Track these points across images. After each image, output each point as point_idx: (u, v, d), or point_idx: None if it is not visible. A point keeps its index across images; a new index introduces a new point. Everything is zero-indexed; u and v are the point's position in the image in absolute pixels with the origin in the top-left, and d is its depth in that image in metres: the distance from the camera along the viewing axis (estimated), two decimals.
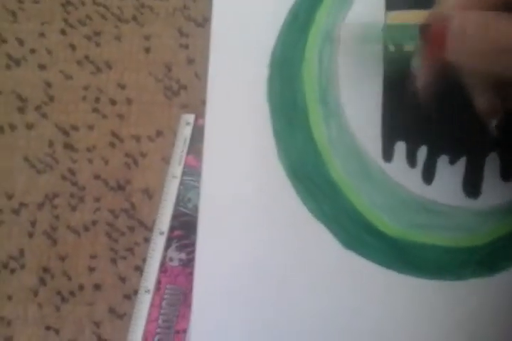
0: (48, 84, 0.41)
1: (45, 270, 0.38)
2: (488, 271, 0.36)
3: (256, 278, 0.36)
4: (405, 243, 0.36)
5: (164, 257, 0.38)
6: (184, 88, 0.40)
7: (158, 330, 0.37)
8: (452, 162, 0.37)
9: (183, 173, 0.39)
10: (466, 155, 0.37)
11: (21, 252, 0.39)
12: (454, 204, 0.36)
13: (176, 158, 0.39)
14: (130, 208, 0.39)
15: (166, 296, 0.38)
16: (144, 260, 0.38)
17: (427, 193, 0.37)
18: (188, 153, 0.39)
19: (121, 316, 0.38)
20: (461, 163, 0.37)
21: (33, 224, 0.39)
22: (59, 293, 0.38)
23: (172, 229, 0.39)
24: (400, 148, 0.37)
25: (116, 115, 0.40)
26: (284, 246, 0.36)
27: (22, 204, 0.39)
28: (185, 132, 0.40)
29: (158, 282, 0.38)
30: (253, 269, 0.36)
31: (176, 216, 0.39)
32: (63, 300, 0.38)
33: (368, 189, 0.37)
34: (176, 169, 0.39)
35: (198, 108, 0.40)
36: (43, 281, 0.38)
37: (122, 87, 0.41)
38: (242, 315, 0.36)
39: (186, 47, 0.41)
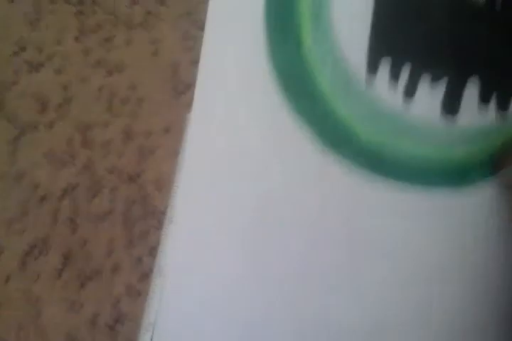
0: (65, 87, 0.45)
1: (68, 253, 0.42)
2: (457, 185, 0.38)
3: (235, 172, 0.38)
4: (382, 151, 0.38)
5: None
6: (189, 88, 0.44)
7: None
8: (434, 80, 0.38)
9: None
10: (448, 76, 0.38)
11: (46, 237, 0.43)
12: (432, 121, 0.38)
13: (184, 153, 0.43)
14: (143, 198, 0.43)
15: None
16: (158, 244, 0.42)
17: (407, 107, 0.38)
18: None
19: (139, 294, 0.42)
20: (443, 82, 0.38)
21: (56, 212, 0.43)
22: (81, 273, 0.42)
23: None
24: (385, 63, 0.38)
25: (129, 114, 0.44)
26: (262, 142, 0.38)
27: (46, 195, 0.43)
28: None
29: None
30: (234, 163, 0.38)
31: None
32: (85, 279, 0.42)
33: (351, 99, 0.38)
34: None
35: None
36: (66, 263, 0.42)
37: (133, 88, 0.44)
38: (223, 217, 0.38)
39: (191, 49, 0.45)
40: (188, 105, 0.43)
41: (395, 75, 0.39)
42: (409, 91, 0.39)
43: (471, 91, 0.39)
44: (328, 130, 0.39)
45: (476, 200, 0.38)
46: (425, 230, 0.38)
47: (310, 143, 0.38)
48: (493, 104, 0.39)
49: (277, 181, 0.39)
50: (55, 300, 0.42)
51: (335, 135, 0.39)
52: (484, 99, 0.39)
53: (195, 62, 0.44)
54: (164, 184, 0.43)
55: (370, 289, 0.38)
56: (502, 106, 0.39)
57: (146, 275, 0.42)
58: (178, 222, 0.38)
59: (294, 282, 0.38)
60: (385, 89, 0.39)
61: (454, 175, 0.38)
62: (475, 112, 0.39)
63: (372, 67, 0.39)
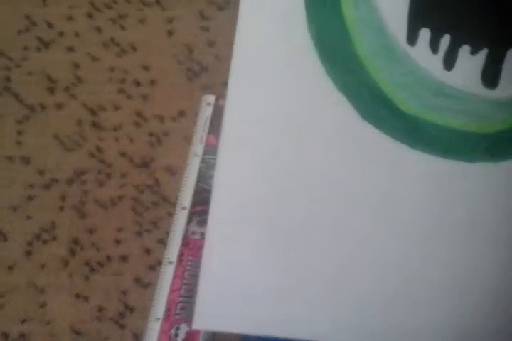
0: (76, 66, 0.43)
1: (75, 242, 0.41)
2: (495, 158, 0.38)
3: (272, 142, 0.38)
4: (420, 121, 0.38)
5: (186, 231, 0.40)
6: (205, 70, 0.42)
7: (181, 299, 0.40)
8: (473, 52, 0.38)
9: (205, 152, 0.41)
10: (487, 48, 0.38)
11: (53, 225, 0.41)
12: (471, 92, 0.38)
13: (197, 137, 0.41)
14: (154, 184, 0.41)
15: (188, 267, 0.40)
16: (168, 233, 0.40)
17: (446, 78, 0.38)
18: (209, 132, 0.41)
19: (146, 286, 0.40)
20: (482, 54, 0.38)
21: (64, 198, 0.41)
22: (88, 263, 0.41)
23: (194, 204, 0.41)
24: (425, 34, 0.39)
25: (141, 96, 0.42)
26: (304, 113, 0.38)
27: (53, 180, 0.42)
28: (206, 112, 0.42)
29: (181, 254, 0.40)
30: (274, 132, 0.38)
31: (198, 192, 0.41)
32: (92, 270, 0.41)
33: (390, 68, 0.39)
34: (198, 147, 0.41)
35: (219, 89, 0.41)
36: (72, 252, 0.41)
37: (146, 68, 0.43)
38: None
39: (207, 29, 0.43)
40: (203, 88, 0.42)
41: (434, 46, 0.38)
42: (449, 63, 0.38)
43: (511, 63, 0.38)
44: (364, 97, 0.38)
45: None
46: (461, 203, 0.38)
47: (346, 110, 0.38)
48: None
49: (313, 150, 0.38)
50: (61, 291, 0.41)
51: (370, 102, 0.38)
52: None
53: (211, 42, 0.42)
54: (176, 170, 0.41)
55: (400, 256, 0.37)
56: None
57: (153, 267, 0.41)
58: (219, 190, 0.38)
59: (322, 242, 0.38)
60: (425, 60, 0.38)
61: (492, 149, 0.38)
62: None
63: (412, 37, 0.38)
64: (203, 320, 0.37)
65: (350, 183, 0.38)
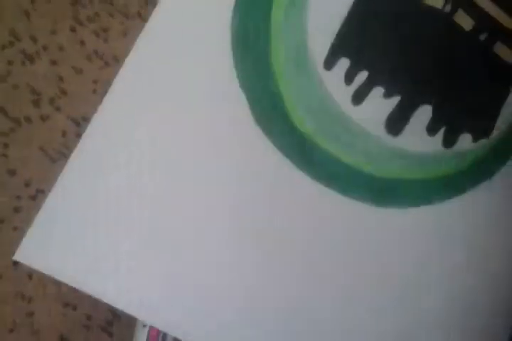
0: (60, 79, 0.43)
1: None
2: (382, 203, 0.37)
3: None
4: (315, 146, 0.37)
5: None
6: None
7: None
8: (386, 96, 0.37)
9: None
10: (400, 96, 0.37)
11: None
12: (373, 133, 0.37)
13: None
14: None
15: None
16: None
17: (351, 112, 0.37)
18: None
19: None
20: (394, 100, 0.37)
21: None
22: None
23: None
24: (344, 63, 0.37)
25: None
26: (203, 113, 0.36)
27: (39, 191, 0.42)
28: None
29: None
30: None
31: None
32: None
33: (298, 83, 0.37)
34: None
35: None
36: None
37: None
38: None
39: None
40: None
41: (349, 78, 0.37)
42: (358, 98, 0.37)
43: (421, 117, 0.38)
44: (267, 110, 0.36)
45: (401, 221, 0.37)
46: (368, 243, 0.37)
47: (249, 125, 0.36)
48: (439, 136, 0.37)
49: (208, 159, 0.36)
50: (48, 300, 0.41)
51: (272, 117, 0.36)
52: (431, 129, 0.37)
53: None
54: None
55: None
56: (447, 141, 0.38)
57: None
58: None
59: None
60: (335, 87, 0.37)
61: (377, 192, 0.37)
62: (419, 138, 0.37)
63: (330, 62, 0.37)
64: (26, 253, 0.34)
65: (238, 196, 0.36)
